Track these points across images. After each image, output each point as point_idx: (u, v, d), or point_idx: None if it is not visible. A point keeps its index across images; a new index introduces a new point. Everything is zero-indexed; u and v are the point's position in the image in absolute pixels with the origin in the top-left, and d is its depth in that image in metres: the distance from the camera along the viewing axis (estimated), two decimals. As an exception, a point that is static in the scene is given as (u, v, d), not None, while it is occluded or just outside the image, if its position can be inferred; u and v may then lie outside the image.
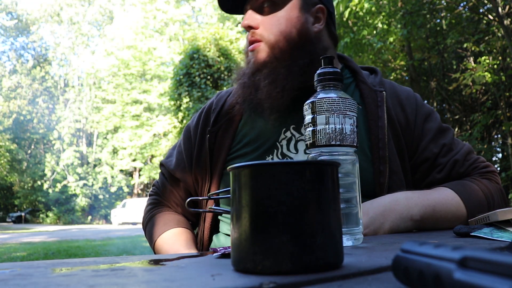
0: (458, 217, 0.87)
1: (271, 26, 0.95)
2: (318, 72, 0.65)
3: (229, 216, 0.94)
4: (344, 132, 0.62)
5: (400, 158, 0.95)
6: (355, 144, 0.63)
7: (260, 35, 0.96)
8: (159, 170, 1.18)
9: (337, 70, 0.64)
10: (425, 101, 8.29)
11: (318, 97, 0.63)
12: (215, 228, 1.04)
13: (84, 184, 26.87)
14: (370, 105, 0.97)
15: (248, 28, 0.96)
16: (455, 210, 0.87)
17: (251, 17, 0.96)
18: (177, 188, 1.10)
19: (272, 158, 0.96)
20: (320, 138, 0.62)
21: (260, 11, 0.97)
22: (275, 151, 0.97)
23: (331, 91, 0.64)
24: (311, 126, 0.63)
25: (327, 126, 0.62)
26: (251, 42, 0.97)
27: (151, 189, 1.18)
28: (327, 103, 0.62)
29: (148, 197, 1.17)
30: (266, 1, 0.96)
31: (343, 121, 0.62)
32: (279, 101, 0.94)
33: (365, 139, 0.94)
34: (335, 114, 0.62)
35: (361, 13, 6.73)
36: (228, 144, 1.01)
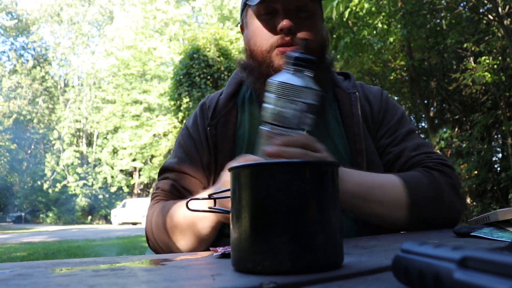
0: (395, 203, 0.86)
1: (309, 33, 0.96)
2: (288, 52, 0.69)
3: None
4: (285, 115, 0.66)
5: (381, 154, 1.02)
6: (301, 127, 0.68)
7: (299, 39, 0.96)
8: (158, 170, 1.15)
9: (306, 57, 0.68)
10: (425, 101, 8.26)
11: (273, 77, 0.68)
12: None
13: (84, 184, 26.85)
14: (344, 105, 1.04)
15: (288, 30, 0.94)
16: (394, 195, 0.86)
17: (292, 19, 0.94)
18: (188, 183, 1.05)
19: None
20: (265, 115, 0.68)
21: (295, 15, 0.96)
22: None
23: (289, 74, 0.67)
24: (264, 102, 0.69)
25: (270, 105, 0.67)
26: (288, 45, 0.95)
27: (153, 197, 1.08)
28: (275, 85, 0.66)
29: (152, 204, 1.08)
30: (302, 8, 0.96)
31: (285, 105, 0.66)
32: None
33: (343, 137, 1.01)
34: (280, 97, 0.66)
35: (361, 13, 6.73)
36: (231, 133, 1.03)
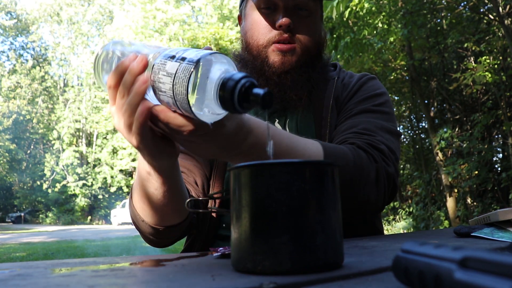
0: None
1: (307, 32, 0.96)
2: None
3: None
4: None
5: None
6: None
7: (297, 38, 0.95)
8: None
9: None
10: (426, 101, 8.24)
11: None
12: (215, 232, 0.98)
13: (84, 184, 26.86)
14: (316, 91, 1.01)
15: (287, 27, 0.94)
16: (310, 155, 0.73)
17: (291, 17, 0.94)
18: (191, 168, 0.96)
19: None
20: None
21: (295, 13, 0.95)
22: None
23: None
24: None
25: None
26: (286, 42, 0.95)
27: None
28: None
29: None
30: (302, 6, 0.95)
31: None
32: (288, 103, 0.98)
33: (310, 122, 0.99)
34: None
35: (361, 13, 6.73)
36: None
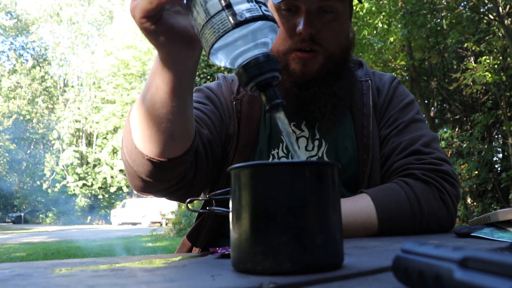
0: (366, 229, 0.79)
1: (332, 37, 0.87)
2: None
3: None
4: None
5: (381, 145, 0.94)
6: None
7: (319, 45, 0.86)
8: None
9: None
10: (426, 101, 8.26)
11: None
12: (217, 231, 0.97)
13: (84, 184, 26.88)
14: (355, 94, 0.95)
15: (310, 36, 0.84)
16: (364, 222, 0.78)
17: (313, 24, 0.84)
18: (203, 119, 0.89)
19: (278, 152, 0.93)
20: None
21: (319, 17, 0.85)
22: (281, 144, 0.94)
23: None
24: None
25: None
26: (307, 50, 0.86)
27: None
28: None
29: None
30: (327, 8, 0.85)
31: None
32: (311, 115, 0.92)
33: (351, 130, 0.93)
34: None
35: (361, 13, 6.74)
36: (257, 116, 0.93)
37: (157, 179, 0.75)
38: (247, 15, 0.46)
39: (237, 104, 0.94)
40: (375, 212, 0.79)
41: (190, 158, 0.77)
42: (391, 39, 7.27)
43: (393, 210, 0.80)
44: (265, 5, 0.49)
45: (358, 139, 0.92)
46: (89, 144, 29.46)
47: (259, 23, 0.47)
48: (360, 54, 7.32)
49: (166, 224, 13.98)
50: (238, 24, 0.46)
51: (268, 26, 0.48)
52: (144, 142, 0.71)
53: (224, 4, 0.47)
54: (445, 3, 7.44)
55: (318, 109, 0.89)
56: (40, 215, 28.28)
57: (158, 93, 0.65)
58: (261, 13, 0.47)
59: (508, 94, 7.42)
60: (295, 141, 0.88)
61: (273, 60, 0.47)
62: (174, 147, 0.71)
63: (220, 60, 0.51)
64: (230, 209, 0.44)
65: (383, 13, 6.97)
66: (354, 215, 0.78)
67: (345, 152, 0.92)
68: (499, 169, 8.56)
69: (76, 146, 28.64)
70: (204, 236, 0.95)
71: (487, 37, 7.36)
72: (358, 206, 0.79)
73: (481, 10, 7.29)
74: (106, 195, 27.65)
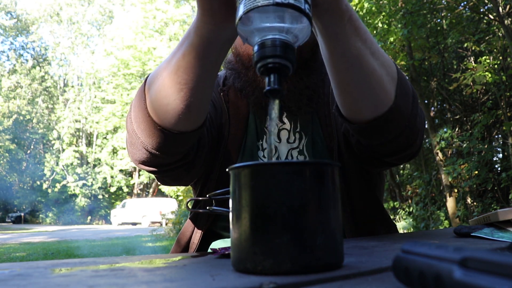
0: (390, 70, 0.70)
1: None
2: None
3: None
4: None
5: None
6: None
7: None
8: None
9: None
10: (426, 101, 8.25)
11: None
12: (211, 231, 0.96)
13: (84, 184, 26.87)
14: (326, 85, 0.97)
15: None
16: (388, 61, 0.71)
17: None
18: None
19: (262, 144, 0.95)
20: None
21: None
22: (264, 136, 0.95)
23: None
24: None
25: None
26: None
27: None
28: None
29: None
30: None
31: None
32: (288, 111, 0.95)
33: (316, 123, 0.95)
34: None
35: (361, 13, 6.74)
36: (244, 107, 0.96)
37: (163, 151, 0.74)
38: (291, 0, 0.47)
39: (224, 95, 0.97)
40: (396, 71, 0.74)
41: (199, 135, 0.78)
42: (391, 39, 7.27)
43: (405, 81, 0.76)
44: (310, 5, 0.50)
45: (323, 129, 0.94)
46: (89, 144, 29.45)
47: (296, 13, 0.48)
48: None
49: (166, 224, 13.96)
50: (279, 4, 0.47)
51: (303, 22, 0.49)
52: (159, 110, 0.69)
53: None
54: (445, 3, 7.43)
55: (294, 103, 0.91)
56: (40, 215, 28.26)
57: (185, 58, 0.64)
58: (302, 7, 0.48)
59: (508, 94, 7.41)
60: (277, 134, 0.93)
61: (290, 50, 0.48)
62: (188, 120, 0.70)
63: (245, 32, 0.51)
64: (230, 209, 0.44)
65: (383, 13, 6.97)
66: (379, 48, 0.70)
67: (317, 144, 0.94)
68: (499, 169, 8.56)
69: (76, 146, 28.63)
70: (196, 234, 0.95)
71: (487, 37, 7.36)
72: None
73: (481, 10, 7.29)
74: (106, 195, 27.64)
